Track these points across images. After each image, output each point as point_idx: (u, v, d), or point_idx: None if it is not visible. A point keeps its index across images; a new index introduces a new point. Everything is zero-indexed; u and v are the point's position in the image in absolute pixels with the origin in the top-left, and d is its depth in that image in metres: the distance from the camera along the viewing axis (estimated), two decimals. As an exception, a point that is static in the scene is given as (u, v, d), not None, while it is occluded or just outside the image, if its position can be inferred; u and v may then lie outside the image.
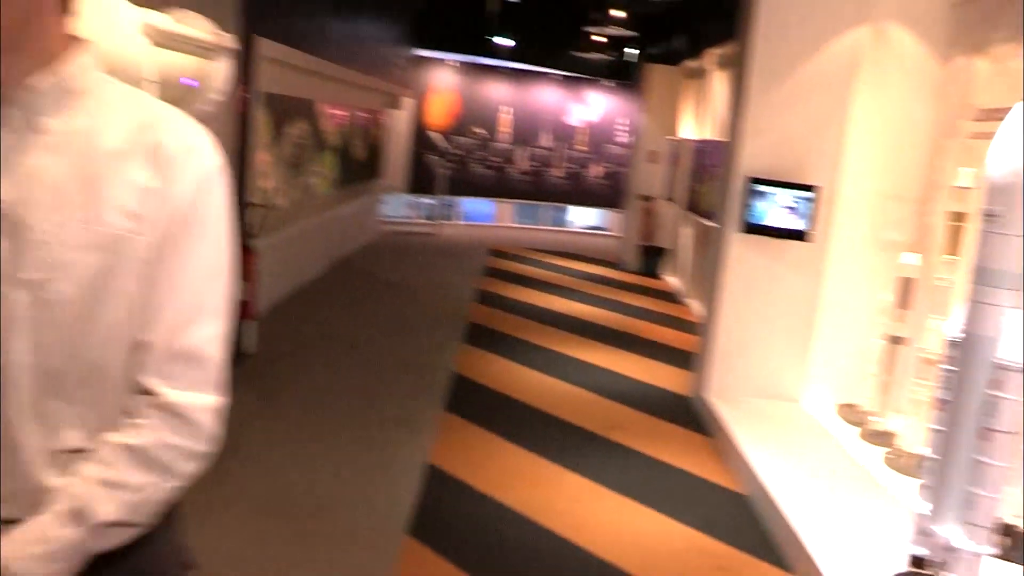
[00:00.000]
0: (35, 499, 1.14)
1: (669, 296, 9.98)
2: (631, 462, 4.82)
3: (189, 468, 1.21)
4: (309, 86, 7.94)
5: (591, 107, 15.01)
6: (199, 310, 1.20)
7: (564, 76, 14.73)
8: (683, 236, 10.11)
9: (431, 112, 14.40)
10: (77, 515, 1.12)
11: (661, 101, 11.57)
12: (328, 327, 7.22)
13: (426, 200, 14.61)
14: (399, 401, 5.53)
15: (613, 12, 9.78)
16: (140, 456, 1.16)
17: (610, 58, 12.65)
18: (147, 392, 1.17)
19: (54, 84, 1.15)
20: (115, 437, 1.17)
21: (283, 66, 6.86)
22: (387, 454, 4.66)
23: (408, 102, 13.59)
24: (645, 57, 12.88)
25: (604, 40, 11.82)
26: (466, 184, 14.65)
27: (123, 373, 1.18)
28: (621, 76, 14.21)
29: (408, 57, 13.43)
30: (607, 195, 14.98)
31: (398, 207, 14.78)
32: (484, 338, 7.34)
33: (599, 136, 15.07)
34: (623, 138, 14.85)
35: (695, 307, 8.61)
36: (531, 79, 14.80)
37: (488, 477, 4.43)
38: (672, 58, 11.65)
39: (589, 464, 4.70)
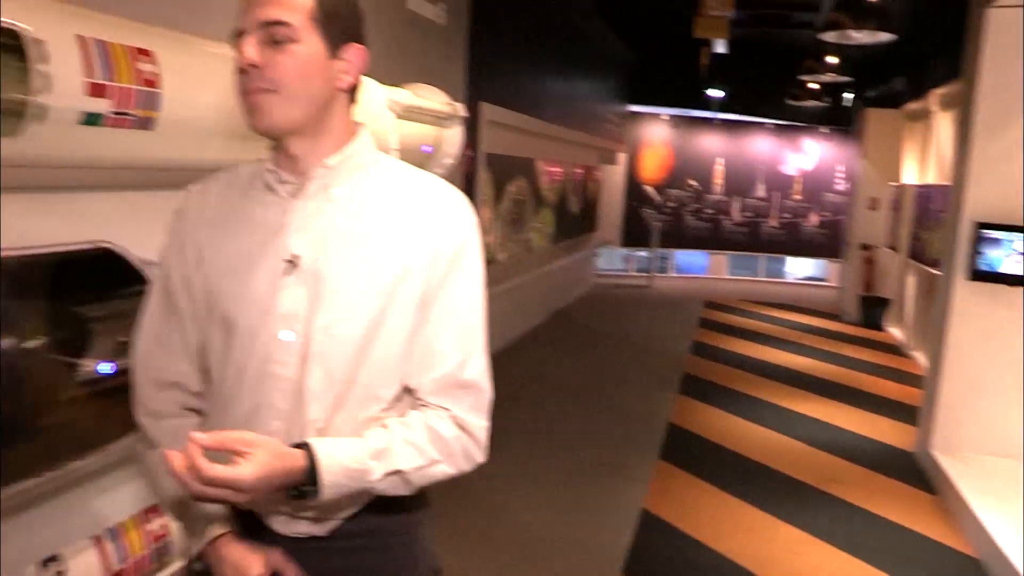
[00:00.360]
0: None
1: (892, 348, 9.58)
2: (850, 516, 4.74)
3: (464, 466, 1.49)
4: (528, 145, 8.42)
5: (806, 155, 14.72)
6: (472, 348, 1.48)
7: (777, 125, 14.53)
8: (907, 285, 9.71)
9: (644, 166, 14.65)
10: (380, 454, 1.40)
11: (881, 146, 11.17)
12: (546, 376, 7.54)
13: (640, 253, 14.82)
14: (615, 448, 5.72)
15: (828, 58, 9.64)
16: (439, 439, 1.44)
17: (825, 104, 12.39)
18: (446, 409, 1.46)
19: (343, 161, 1.48)
20: (424, 419, 1.45)
21: (504, 128, 7.36)
22: (603, 499, 4.85)
23: (622, 157, 13.93)
24: (862, 101, 12.53)
25: (818, 87, 11.62)
26: (680, 236, 14.72)
27: (394, 395, 1.48)
28: (837, 122, 13.85)
29: (622, 113, 13.79)
30: (824, 245, 14.57)
31: (612, 260, 15.07)
32: (699, 389, 7.40)
33: (815, 184, 14.73)
34: (840, 186, 14.44)
35: (920, 359, 8.25)
36: (744, 129, 14.74)
37: (702, 525, 4.52)
38: (892, 101, 11.27)
39: (805, 516, 4.67)
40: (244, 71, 1.37)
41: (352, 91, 1.48)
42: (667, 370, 8.01)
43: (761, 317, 11.46)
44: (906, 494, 5.11)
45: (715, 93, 13.26)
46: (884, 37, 6.80)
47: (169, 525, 2.21)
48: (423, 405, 1.47)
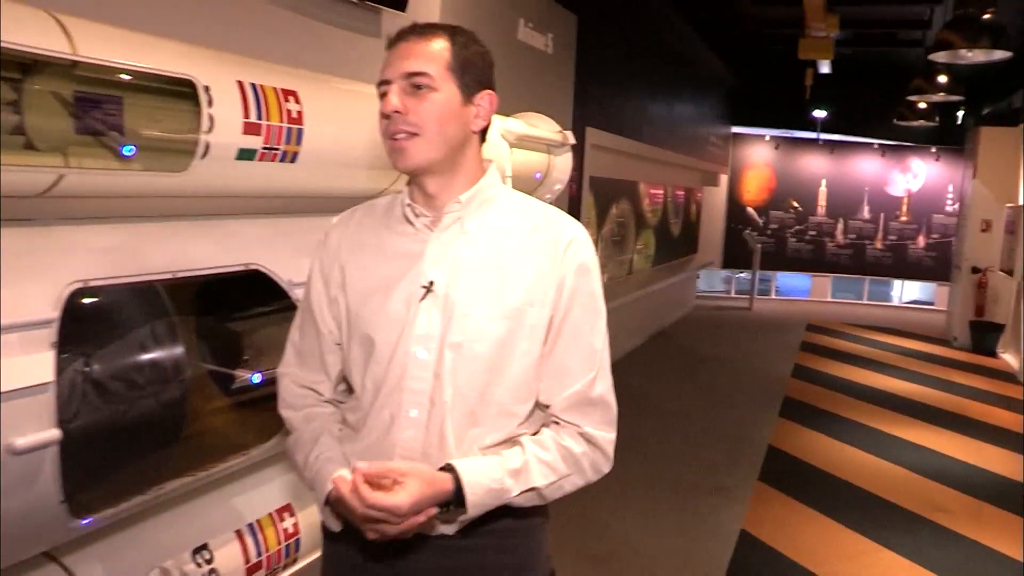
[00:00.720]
0: None
1: (1004, 375, 9.28)
2: (957, 546, 4.66)
3: (592, 478, 1.64)
4: (630, 168, 8.54)
5: (913, 176, 14.39)
6: (598, 367, 1.63)
7: (883, 145, 14.26)
8: (1022, 310, 9.41)
9: (746, 187, 14.56)
10: (517, 473, 1.55)
11: (996, 165, 10.79)
12: (647, 396, 7.60)
13: (741, 275, 14.71)
14: (715, 469, 5.76)
15: (938, 77, 9.45)
16: (570, 455, 1.60)
17: (934, 124, 12.09)
18: (575, 425, 1.62)
19: (474, 195, 1.64)
20: (555, 437, 1.61)
21: (607, 151, 7.50)
22: (703, 518, 4.90)
23: (723, 178, 13.89)
24: (975, 119, 12.20)
25: (927, 106, 11.36)
26: (781, 258, 14.56)
27: (528, 411, 1.63)
28: (947, 141, 13.48)
29: (724, 135, 13.77)
30: (932, 268, 14.18)
31: (713, 281, 15.00)
32: (800, 413, 7.35)
33: (922, 206, 14.36)
34: (950, 207, 14.05)
35: (1036, 387, 8.01)
36: (848, 150, 14.50)
37: (801, 547, 4.52)
38: (1008, 118, 10.94)
39: (908, 544, 4.62)
40: (389, 116, 1.54)
41: (483, 132, 1.65)
42: (768, 393, 7.97)
43: (865, 341, 11.23)
44: (1016, 525, 4.99)
45: (819, 113, 13.11)
46: (999, 55, 6.64)
47: (299, 524, 2.42)
48: (555, 421, 1.63)
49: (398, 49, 1.56)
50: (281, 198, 2.40)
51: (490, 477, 1.54)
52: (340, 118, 2.41)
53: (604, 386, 1.65)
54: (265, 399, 2.02)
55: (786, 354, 9.98)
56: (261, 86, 2.09)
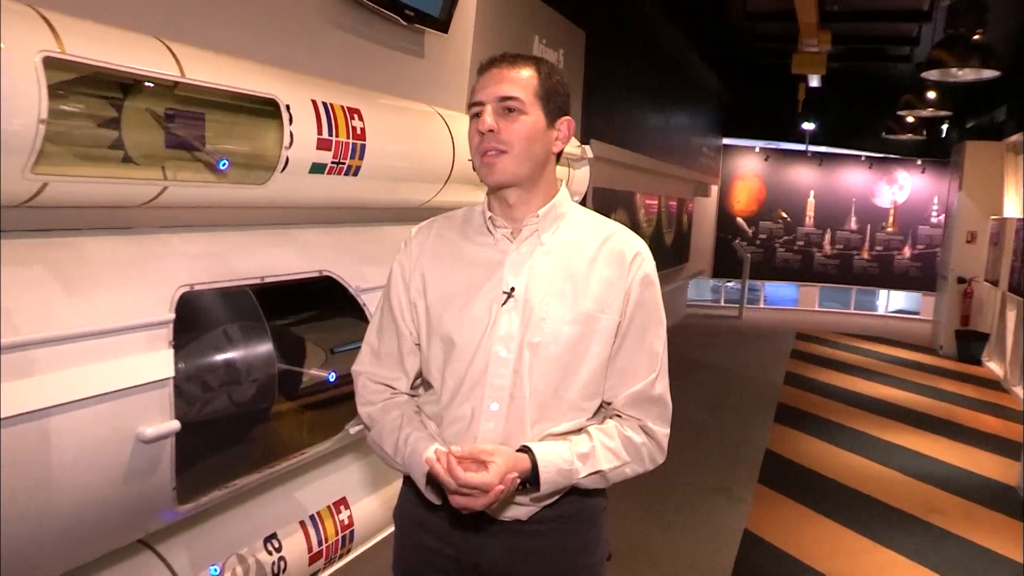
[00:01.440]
0: None
1: (990, 383, 9.53)
2: (952, 545, 4.85)
3: (649, 467, 1.81)
4: (629, 179, 8.73)
5: (899, 188, 14.67)
6: (658, 370, 1.80)
7: (870, 157, 14.53)
8: (1007, 320, 9.65)
9: (736, 198, 14.80)
10: (585, 457, 1.72)
11: (981, 178, 11.05)
12: (643, 402, 7.75)
13: (730, 284, 14.93)
14: (716, 472, 5.93)
15: (928, 93, 9.70)
16: (631, 444, 1.77)
17: (920, 137, 12.36)
18: (636, 419, 1.78)
19: (549, 210, 1.81)
20: (618, 427, 1.77)
21: (609, 163, 7.68)
22: (708, 518, 5.07)
23: (714, 189, 14.12)
24: (961, 133, 12.47)
25: (913, 120, 11.62)
26: (770, 268, 14.80)
27: (593, 406, 1.79)
28: (933, 154, 13.76)
29: (715, 146, 14.00)
30: (918, 278, 14.45)
31: (703, 291, 15.21)
32: (794, 418, 7.54)
33: (909, 217, 14.64)
34: (935, 218, 14.35)
35: (1021, 394, 8.23)
36: (836, 162, 14.76)
37: (803, 546, 4.69)
38: (993, 133, 11.18)
39: (906, 543, 4.80)
40: (483, 135, 1.70)
41: (559, 154, 1.81)
42: (762, 399, 8.17)
43: (854, 349, 11.47)
44: (1011, 527, 5.18)
45: (807, 126, 13.36)
46: (989, 74, 6.88)
47: (353, 516, 2.56)
48: (618, 415, 1.79)
49: (490, 75, 1.73)
50: (343, 209, 2.55)
51: (561, 458, 1.70)
52: (396, 134, 2.57)
53: (663, 386, 1.82)
54: (334, 399, 2.17)
55: (777, 362, 10.19)
56: (331, 104, 2.25)
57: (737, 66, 12.59)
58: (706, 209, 14.30)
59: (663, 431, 1.82)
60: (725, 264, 14.59)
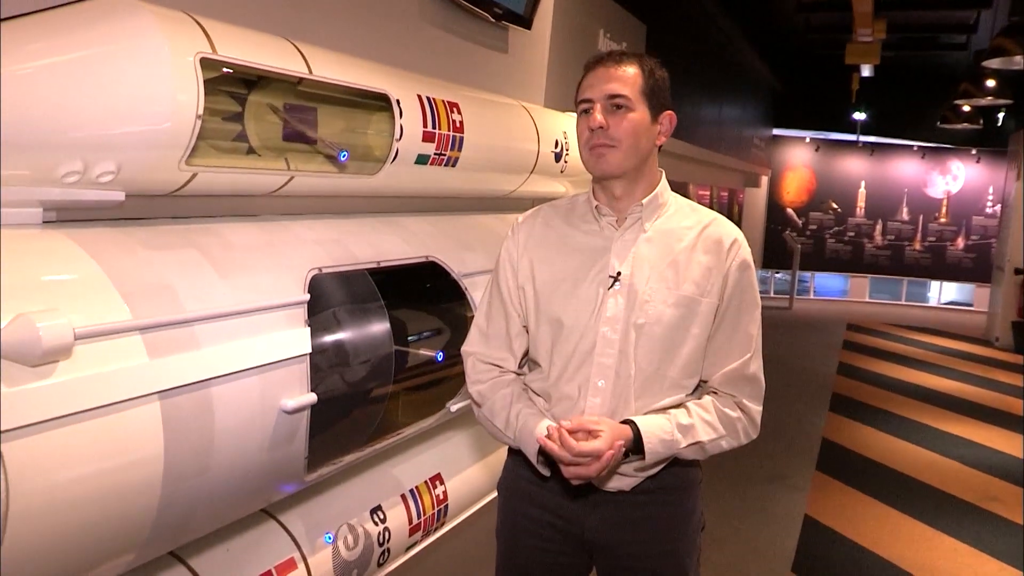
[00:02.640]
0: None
1: (1050, 375, 9.47)
2: (1013, 534, 4.87)
3: (743, 441, 1.92)
4: (682, 170, 8.79)
5: (953, 178, 14.52)
6: (753, 351, 1.90)
7: (922, 147, 14.40)
8: (1065, 312, 9.55)
9: (786, 188, 14.75)
10: (685, 429, 1.83)
11: (1039, 167, 10.98)
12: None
13: (780, 275, 14.89)
14: (775, 459, 6.00)
15: (987, 81, 9.59)
16: (727, 418, 1.88)
17: (976, 126, 12.20)
18: (731, 396, 1.89)
19: (651, 199, 1.91)
20: (715, 402, 1.88)
21: (664, 154, 7.72)
22: (768, 504, 5.14)
23: (764, 179, 14.08)
24: (1016, 122, 12.30)
25: (970, 109, 11.48)
26: (820, 259, 14.74)
27: (692, 384, 1.90)
28: (987, 143, 13.61)
29: (765, 137, 13.96)
30: (972, 269, 14.31)
31: (752, 281, 15.16)
32: (849, 408, 7.57)
33: (962, 207, 14.48)
34: (989, 209, 14.18)
35: (1081, 387, 8.16)
36: (887, 152, 14.64)
37: (863, 532, 4.75)
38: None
39: (967, 530, 4.83)
40: (593, 131, 1.81)
41: (660, 146, 1.92)
42: (816, 389, 8.20)
43: (907, 341, 11.41)
44: (1072, 516, 5.19)
45: (859, 116, 13.26)
46: (1053, 60, 6.84)
47: (447, 492, 2.69)
48: (714, 392, 1.89)
49: (597, 74, 1.83)
50: (440, 198, 2.68)
51: (663, 430, 1.81)
52: (489, 127, 2.68)
53: (757, 366, 1.92)
54: (438, 378, 2.30)
55: (829, 352, 10.19)
56: (434, 99, 2.37)
57: (789, 57, 12.53)
58: (756, 200, 14.27)
59: (756, 408, 1.93)
60: (775, 255, 14.56)
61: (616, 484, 1.90)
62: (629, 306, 1.84)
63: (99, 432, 1.38)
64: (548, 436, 1.79)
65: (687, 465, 1.95)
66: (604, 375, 1.86)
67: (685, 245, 1.88)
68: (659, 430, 1.81)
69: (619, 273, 1.85)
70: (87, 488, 1.38)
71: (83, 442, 1.36)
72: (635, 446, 1.79)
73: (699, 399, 1.91)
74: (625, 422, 1.81)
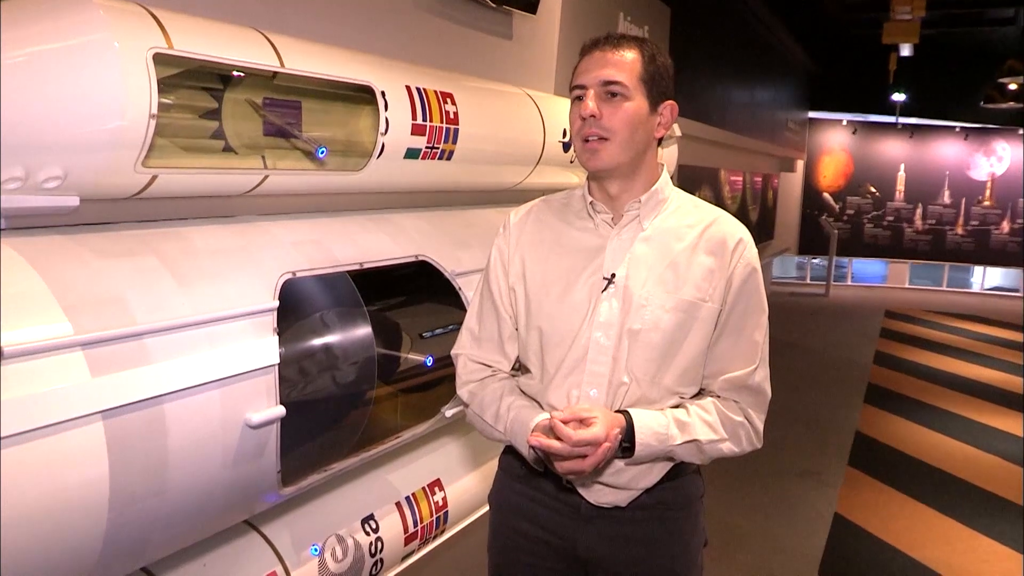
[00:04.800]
0: (611, 463, 1.72)
1: (1096, 364, 9.14)
2: (1056, 534, 4.70)
3: (746, 448, 1.78)
4: (713, 155, 8.60)
5: (998, 159, 14.10)
6: (759, 359, 1.76)
7: (965, 128, 13.99)
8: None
9: (823, 173, 14.44)
10: (682, 425, 1.70)
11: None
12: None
13: (817, 261, 14.60)
14: (806, 454, 5.83)
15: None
16: (729, 421, 1.74)
17: (1022, 105, 11.80)
18: (735, 402, 1.76)
19: (650, 196, 1.78)
20: (716, 404, 1.75)
21: (693, 140, 7.57)
22: (798, 501, 4.99)
23: (800, 164, 13.80)
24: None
25: (1016, 87, 11.10)
26: (858, 244, 14.42)
27: (691, 392, 1.77)
28: (1034, 123, 13.20)
29: (801, 120, 13.67)
30: (1017, 254, 13.90)
31: (788, 267, 14.91)
32: (885, 399, 7.36)
33: (1008, 190, 14.06)
34: (1038, 191, 13.76)
35: None
36: (927, 134, 14.26)
37: (895, 532, 4.58)
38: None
39: (1006, 531, 4.64)
40: (585, 120, 1.68)
41: (660, 139, 1.78)
42: (851, 380, 7.99)
43: (948, 328, 11.11)
44: (1116, 514, 4.98)
45: (898, 97, 12.91)
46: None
47: (447, 498, 2.59)
48: (716, 396, 1.76)
49: (593, 58, 1.70)
50: (436, 192, 2.57)
51: (657, 423, 1.69)
52: (488, 117, 2.56)
53: (762, 376, 1.78)
54: (431, 382, 2.19)
55: (866, 341, 9.94)
56: (425, 89, 2.25)
57: (825, 37, 12.22)
58: (791, 185, 13.99)
59: (760, 419, 1.79)
60: (811, 240, 14.27)
61: (611, 499, 1.79)
62: (624, 310, 1.72)
63: (36, 455, 1.29)
64: (538, 429, 1.68)
65: (687, 479, 1.83)
66: (597, 384, 1.74)
67: (686, 245, 1.75)
68: (653, 423, 1.69)
69: (613, 275, 1.73)
70: (25, 513, 1.29)
71: (18, 466, 1.27)
72: (627, 437, 1.67)
73: (700, 400, 1.78)
74: (619, 412, 1.69)
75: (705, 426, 1.72)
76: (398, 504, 2.40)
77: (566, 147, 3.06)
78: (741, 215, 10.26)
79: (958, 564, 4.24)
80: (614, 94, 1.67)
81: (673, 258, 1.73)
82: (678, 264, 1.73)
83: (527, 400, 1.80)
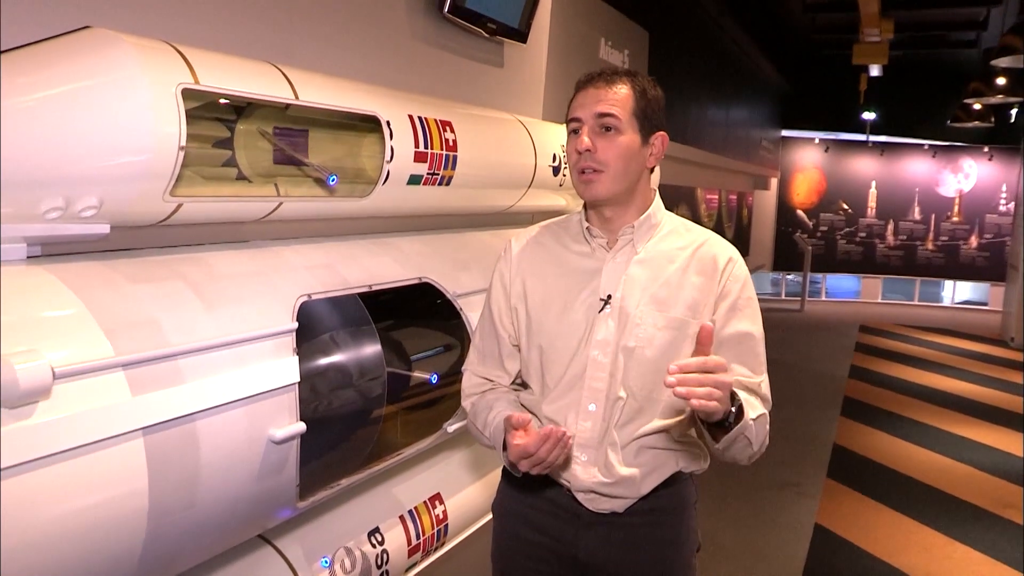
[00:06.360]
0: (608, 472, 1.82)
1: (1066, 376, 9.36)
2: (1031, 541, 4.83)
3: (759, 449, 1.82)
4: (690, 174, 8.76)
5: (965, 176, 14.41)
6: (760, 371, 1.87)
7: (933, 146, 14.29)
8: (1080, 311, 9.45)
9: (796, 190, 14.69)
10: (748, 389, 1.78)
11: (1054, 165, 10.88)
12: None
13: (791, 277, 14.83)
14: (786, 466, 5.95)
15: (997, 79, 9.50)
16: (760, 408, 1.79)
17: (988, 124, 12.10)
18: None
19: (643, 221, 1.89)
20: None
21: (671, 160, 7.72)
22: (778, 513, 5.10)
23: (773, 181, 14.03)
24: (1030, 119, 12.20)
25: (981, 107, 11.38)
26: (831, 260, 14.67)
27: (687, 406, 1.86)
28: (999, 140, 13.48)
29: (774, 139, 13.91)
30: (986, 268, 14.20)
31: (763, 284, 15.12)
32: (862, 412, 7.51)
33: (975, 206, 14.38)
34: (1003, 207, 14.06)
35: (1096, 387, 8.07)
36: (898, 151, 14.56)
37: (875, 541, 4.70)
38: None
39: (981, 539, 4.77)
40: (580, 153, 1.79)
41: (652, 168, 1.89)
42: (827, 393, 8.14)
43: (920, 342, 11.32)
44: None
45: (868, 116, 13.19)
46: (1064, 59, 6.78)
47: (447, 511, 2.67)
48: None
49: (588, 92, 1.81)
50: (434, 216, 2.67)
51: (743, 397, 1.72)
52: (484, 144, 2.67)
53: (765, 387, 1.88)
54: (435, 399, 2.28)
55: (841, 355, 10.12)
56: (426, 118, 2.36)
57: (796, 58, 12.49)
58: (766, 202, 14.22)
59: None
60: (786, 257, 14.50)
61: (608, 505, 1.88)
62: (620, 329, 1.82)
63: (81, 470, 1.37)
64: (510, 421, 1.73)
65: (681, 485, 1.93)
66: (595, 399, 1.84)
67: (677, 266, 1.86)
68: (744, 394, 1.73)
69: (609, 296, 1.83)
70: (71, 526, 1.37)
71: (65, 481, 1.35)
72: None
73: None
74: None
75: (756, 402, 1.79)
76: (402, 517, 2.48)
77: (555, 171, 3.17)
78: (717, 232, 10.42)
79: (935, 570, 4.36)
80: (608, 128, 1.77)
81: (666, 279, 1.84)
82: (670, 284, 1.84)
83: (515, 408, 1.88)
